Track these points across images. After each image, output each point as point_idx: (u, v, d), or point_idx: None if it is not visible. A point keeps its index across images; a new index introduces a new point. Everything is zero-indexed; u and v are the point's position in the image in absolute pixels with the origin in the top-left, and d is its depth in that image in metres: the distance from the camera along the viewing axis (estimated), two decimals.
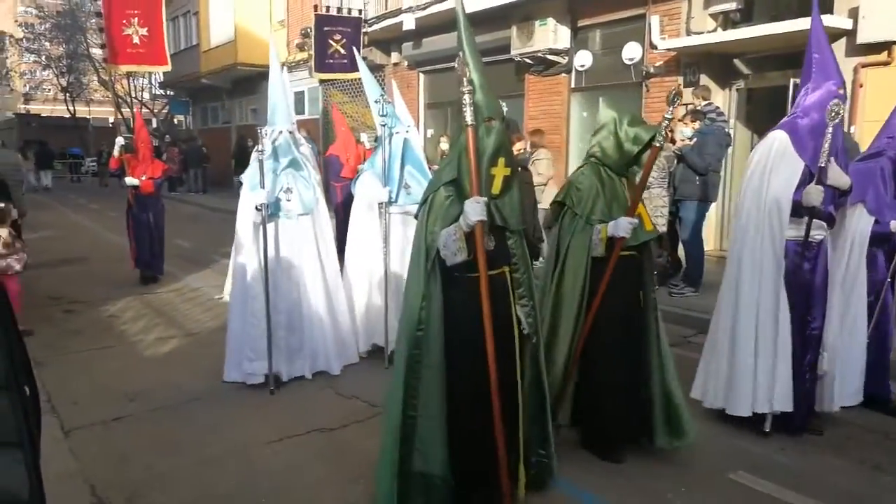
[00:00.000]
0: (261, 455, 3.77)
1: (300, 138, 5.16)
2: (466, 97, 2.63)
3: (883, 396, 4.34)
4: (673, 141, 7.07)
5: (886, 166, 4.21)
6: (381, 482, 2.90)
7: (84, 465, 3.63)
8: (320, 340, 4.96)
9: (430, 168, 5.61)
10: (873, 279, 4.24)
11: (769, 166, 3.73)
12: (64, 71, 36.00)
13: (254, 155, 4.60)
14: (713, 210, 8.19)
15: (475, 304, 2.73)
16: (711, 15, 9.23)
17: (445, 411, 2.84)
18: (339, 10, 11.45)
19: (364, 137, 8.43)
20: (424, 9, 13.10)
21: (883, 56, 7.48)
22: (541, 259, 7.54)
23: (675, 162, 7.08)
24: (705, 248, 7.58)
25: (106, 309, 7.05)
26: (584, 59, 11.18)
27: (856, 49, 7.55)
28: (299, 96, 17.63)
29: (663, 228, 7.11)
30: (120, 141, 7.99)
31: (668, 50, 9.55)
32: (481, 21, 10.58)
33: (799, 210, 3.68)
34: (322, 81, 11.18)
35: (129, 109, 24.29)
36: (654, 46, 9.79)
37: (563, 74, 11.51)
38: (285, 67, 5.38)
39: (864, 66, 7.56)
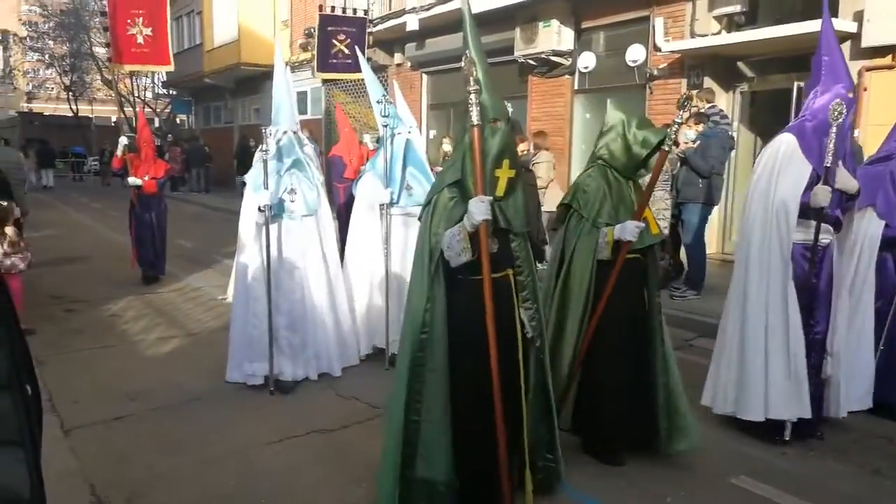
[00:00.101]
0: (261, 456, 3.77)
1: (304, 139, 5.16)
2: (473, 97, 2.61)
3: (893, 403, 4.30)
4: (676, 143, 7.06)
5: None
6: (382, 486, 2.89)
7: (84, 465, 3.63)
8: (322, 342, 4.95)
9: (432, 170, 5.60)
10: (883, 284, 4.22)
11: (777, 169, 3.71)
12: (67, 70, 36.08)
13: (258, 155, 4.59)
14: (715, 213, 8.18)
15: (479, 306, 2.72)
16: (716, 17, 9.22)
17: (449, 415, 2.82)
18: (344, 10, 11.44)
19: (367, 138, 8.42)
20: (428, 10, 13.10)
21: (887, 60, 7.46)
22: (545, 261, 7.53)
23: (678, 164, 7.06)
24: (707, 251, 7.57)
25: (107, 308, 7.05)
26: (587, 60, 11.17)
27: (860, 52, 7.54)
28: (302, 96, 17.64)
29: (665, 231, 7.10)
30: (123, 140, 7.99)
31: (672, 52, 9.54)
32: (485, 22, 10.58)
33: (806, 212, 3.66)
34: (325, 82, 11.18)
35: (131, 109, 24.33)
36: (657, 48, 9.78)
37: (567, 76, 11.51)
38: (288, 67, 5.37)
39: (869, 69, 7.54)
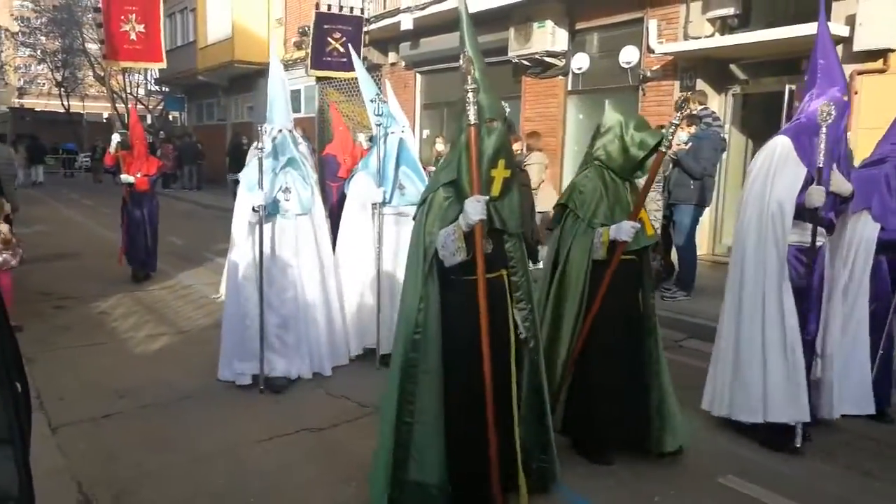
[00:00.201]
0: (251, 454, 3.75)
1: (298, 137, 5.14)
2: (471, 95, 2.61)
3: (883, 406, 4.31)
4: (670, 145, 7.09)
5: (891, 173, 4.20)
6: (374, 487, 2.88)
7: (71, 462, 3.60)
8: (314, 341, 4.94)
9: (425, 169, 5.60)
10: (877, 286, 4.23)
11: (772, 171, 3.72)
12: (59, 66, 35.84)
13: (253, 152, 4.55)
14: (706, 214, 8.21)
15: (472, 306, 2.71)
16: (709, 20, 9.26)
17: (442, 417, 2.81)
18: (341, 8, 11.43)
19: (361, 137, 8.41)
20: (423, 9, 13.10)
21: (879, 63, 7.51)
22: (539, 262, 7.54)
23: (671, 166, 7.09)
24: (698, 253, 7.60)
25: (97, 305, 7.02)
26: (581, 61, 11.19)
27: (852, 56, 7.58)
28: (295, 94, 17.59)
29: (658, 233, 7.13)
30: (116, 137, 7.94)
31: (666, 54, 9.57)
32: (479, 22, 10.53)
33: (801, 214, 3.68)
34: (319, 80, 11.15)
35: (124, 105, 24.23)
36: (651, 50, 9.81)
37: (560, 77, 11.53)
38: (282, 65, 5.35)
39: (860, 73, 7.59)
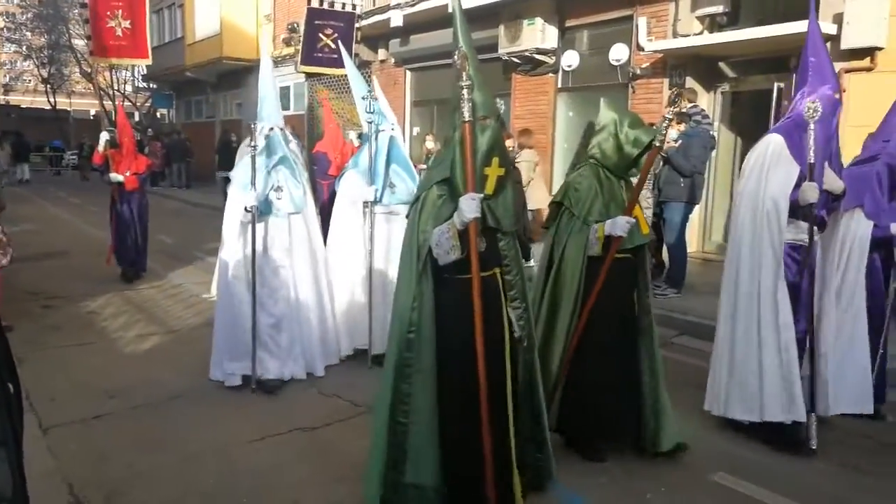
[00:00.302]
0: (243, 454, 3.74)
1: (288, 135, 5.12)
2: (465, 92, 2.60)
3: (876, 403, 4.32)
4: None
5: (882, 170, 4.23)
6: (368, 489, 2.87)
7: (62, 464, 3.58)
8: (307, 340, 4.92)
9: (415, 167, 5.58)
10: (871, 284, 4.24)
11: (765, 168, 3.74)
12: (45, 62, 35.52)
13: (245, 149, 4.51)
14: (696, 212, 8.25)
15: (466, 305, 2.70)
16: (698, 17, 9.29)
17: (437, 418, 2.81)
18: (332, 3, 11.37)
19: (353, 135, 8.38)
20: (413, 5, 13.07)
21: (866, 62, 7.57)
22: (532, 260, 7.56)
23: (661, 164, 7.11)
24: (688, 250, 7.63)
25: (86, 305, 6.97)
26: (571, 59, 11.21)
27: (840, 55, 7.63)
28: (284, 91, 17.53)
29: None
30: (105, 136, 7.86)
31: (655, 52, 9.60)
32: (469, 19, 10.44)
33: (795, 211, 3.69)
34: (308, 76, 11.09)
35: (111, 102, 24.03)
36: (640, 48, 9.84)
37: (550, 74, 11.54)
38: (272, 62, 5.32)
39: (848, 71, 7.64)
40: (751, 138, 9.21)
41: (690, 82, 9.25)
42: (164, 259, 9.36)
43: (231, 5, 20.42)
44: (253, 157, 4.43)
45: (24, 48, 35.97)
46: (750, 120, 9.33)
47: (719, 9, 8.99)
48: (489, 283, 2.82)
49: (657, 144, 3.41)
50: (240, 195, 4.62)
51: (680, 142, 7.04)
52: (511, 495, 2.89)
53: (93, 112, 36.51)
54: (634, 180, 3.68)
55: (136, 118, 29.90)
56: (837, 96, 3.71)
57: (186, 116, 27.11)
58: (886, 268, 4.34)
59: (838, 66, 7.62)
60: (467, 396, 2.75)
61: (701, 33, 9.28)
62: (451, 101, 2.74)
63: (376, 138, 5.10)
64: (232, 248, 4.72)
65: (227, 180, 4.87)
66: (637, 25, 9.91)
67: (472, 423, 2.75)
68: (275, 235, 4.75)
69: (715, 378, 4.02)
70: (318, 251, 5.10)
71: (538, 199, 8.83)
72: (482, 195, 2.68)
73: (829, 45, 7.57)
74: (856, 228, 4.18)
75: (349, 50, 8.67)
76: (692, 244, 8.75)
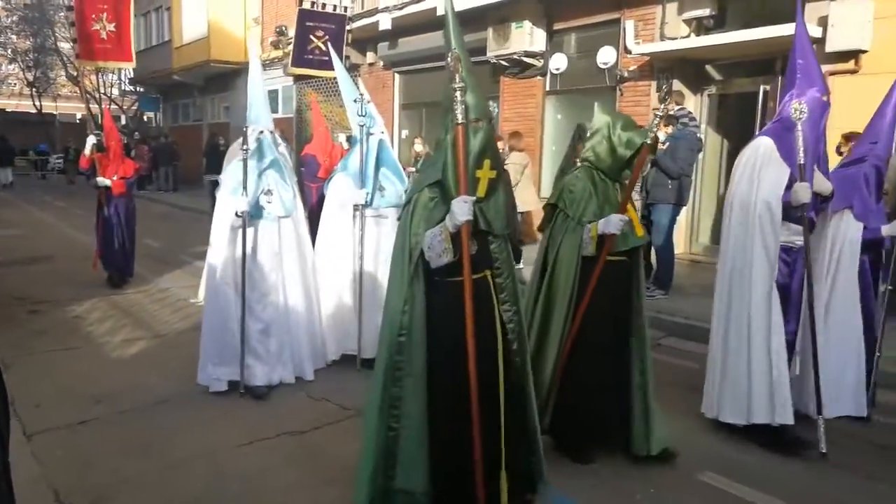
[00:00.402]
0: (230, 458, 3.71)
1: (278, 138, 5.09)
2: (458, 94, 2.59)
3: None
4: (657, 139, 7.16)
5: (870, 172, 4.26)
6: (358, 494, 2.84)
7: (47, 470, 3.54)
8: (297, 345, 4.89)
9: (404, 170, 5.58)
10: (861, 287, 4.26)
11: (757, 171, 3.75)
12: (30, 65, 35.23)
13: (234, 152, 4.47)
14: (683, 214, 8.30)
15: (457, 307, 2.68)
16: (685, 20, 9.36)
17: (427, 422, 2.79)
18: (324, 6, 11.33)
19: (342, 138, 8.36)
20: (401, 9, 13.08)
21: (850, 64, 7.64)
22: (522, 262, 7.56)
23: (648, 166, 7.15)
24: (675, 252, 7.67)
25: (72, 309, 6.90)
26: (559, 62, 11.26)
27: (824, 57, 7.69)
28: (273, 94, 17.49)
29: None
30: (92, 140, 7.78)
31: (642, 55, 9.65)
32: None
33: (786, 213, 3.70)
34: (297, 79, 11.03)
35: (97, 106, 23.86)
36: (628, 51, 9.89)
37: (538, 77, 11.58)
38: (261, 65, 5.28)
39: (832, 74, 7.71)
40: (737, 140, 9.30)
41: (677, 85, 9.31)
42: (151, 263, 9.29)
43: (218, 8, 20.36)
44: (245, 161, 4.40)
45: (9, 51, 35.64)
46: (736, 122, 9.40)
47: (706, 12, 9.07)
48: (480, 285, 2.80)
49: (648, 142, 3.43)
50: (230, 199, 4.58)
51: (667, 144, 7.08)
52: (498, 497, 2.88)
53: (79, 116, 36.23)
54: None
55: (123, 122, 29.72)
56: (825, 98, 3.73)
57: (173, 120, 26.99)
58: (875, 269, 4.37)
59: (823, 68, 7.70)
60: (458, 398, 2.73)
61: (688, 36, 9.35)
62: (443, 103, 2.73)
63: (367, 141, 5.09)
64: (220, 252, 4.68)
65: (215, 184, 4.84)
66: (624, 28, 9.96)
67: (463, 425, 2.74)
68: (264, 239, 4.72)
69: (709, 381, 4.03)
70: (307, 255, 5.08)
71: (526, 200, 8.84)
72: (474, 198, 2.68)
73: (814, 47, 7.69)
74: (846, 230, 4.20)
75: (340, 52, 8.64)
76: (679, 246, 8.79)
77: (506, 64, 11.68)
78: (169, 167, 21.70)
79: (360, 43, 15.01)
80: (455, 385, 2.75)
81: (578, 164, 5.76)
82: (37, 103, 36.21)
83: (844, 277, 4.20)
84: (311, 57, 10.90)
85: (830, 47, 7.61)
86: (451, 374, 2.77)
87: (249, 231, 4.56)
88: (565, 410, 3.64)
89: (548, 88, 11.62)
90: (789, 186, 3.67)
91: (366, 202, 5.07)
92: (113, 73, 29.15)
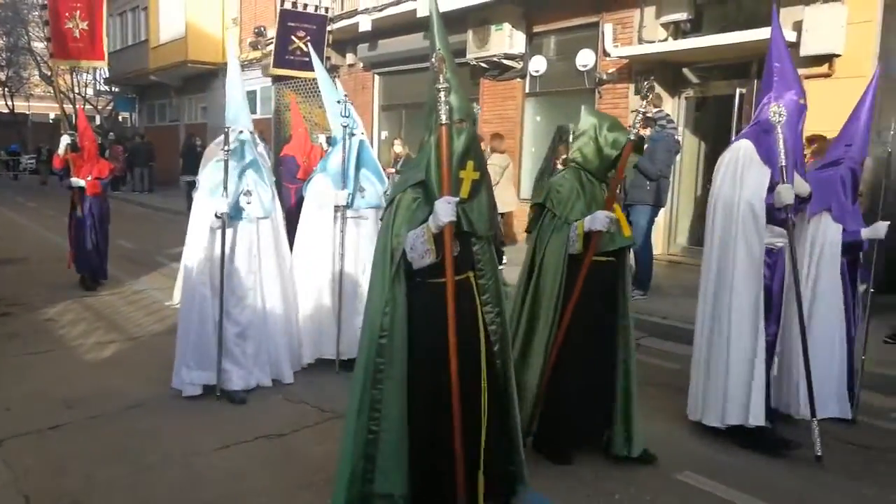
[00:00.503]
0: (206, 463, 3.65)
1: (256, 139, 5.03)
2: (442, 95, 2.57)
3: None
4: (640, 136, 7.20)
5: (846, 174, 4.31)
6: (336, 496, 2.80)
7: (17, 476, 3.45)
8: (274, 348, 4.83)
9: (385, 171, 5.54)
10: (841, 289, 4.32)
11: (738, 174, 3.77)
12: (3, 65, 34.63)
13: (212, 153, 4.40)
14: (661, 215, 8.36)
15: (440, 308, 2.65)
16: (663, 24, 9.45)
17: (407, 425, 2.76)
18: (305, 6, 11.26)
19: (322, 139, 8.31)
20: (381, 10, 13.05)
21: (824, 68, 7.75)
22: (504, 261, 7.56)
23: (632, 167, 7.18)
24: (654, 253, 7.72)
25: (44, 312, 6.77)
26: (538, 64, 11.30)
27: (799, 61, 7.80)
28: (251, 95, 17.34)
29: None
30: (66, 139, 7.64)
31: (621, 57, 9.72)
32: None
33: (770, 214, 3.72)
34: (275, 80, 10.94)
35: (71, 106, 23.48)
36: (607, 54, 9.96)
37: (518, 79, 11.61)
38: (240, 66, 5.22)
39: (806, 77, 7.80)
40: (714, 143, 9.40)
41: (656, 87, 9.38)
42: (126, 265, 9.16)
43: (196, 8, 20.17)
44: (226, 162, 4.34)
45: None
46: (713, 125, 9.51)
47: (683, 16, 9.16)
48: (463, 287, 2.78)
49: (632, 138, 3.45)
50: (208, 200, 4.51)
51: (646, 146, 7.12)
52: (477, 498, 2.86)
53: (52, 116, 35.66)
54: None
55: (98, 122, 29.30)
56: (802, 101, 3.77)
57: (150, 120, 26.67)
58: (853, 271, 4.43)
59: (798, 72, 7.81)
60: (439, 401, 2.71)
61: (665, 40, 9.43)
62: (427, 103, 2.71)
63: (349, 142, 5.04)
64: (197, 254, 4.60)
65: (192, 184, 4.77)
66: (603, 32, 10.03)
67: (444, 427, 2.71)
68: (242, 240, 4.64)
69: (693, 384, 4.05)
70: (285, 256, 5.02)
71: (506, 201, 8.86)
72: (458, 199, 2.66)
73: (790, 51, 7.79)
74: (825, 232, 4.25)
75: (321, 53, 8.57)
76: (657, 247, 8.85)
77: (485, 66, 11.70)
78: (144, 168, 21.44)
79: (339, 44, 14.93)
80: (436, 387, 2.72)
81: (559, 165, 5.76)
82: (9, 103, 35.59)
83: (826, 279, 4.24)
84: (292, 58, 10.81)
85: (805, 51, 7.72)
86: (432, 377, 2.74)
87: (227, 232, 4.49)
88: (552, 419, 3.63)
89: (527, 90, 11.65)
90: (771, 189, 3.70)
91: (347, 203, 5.02)
92: (87, 72, 28.70)
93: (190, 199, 4.81)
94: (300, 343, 5.12)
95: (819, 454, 3.71)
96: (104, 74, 27.35)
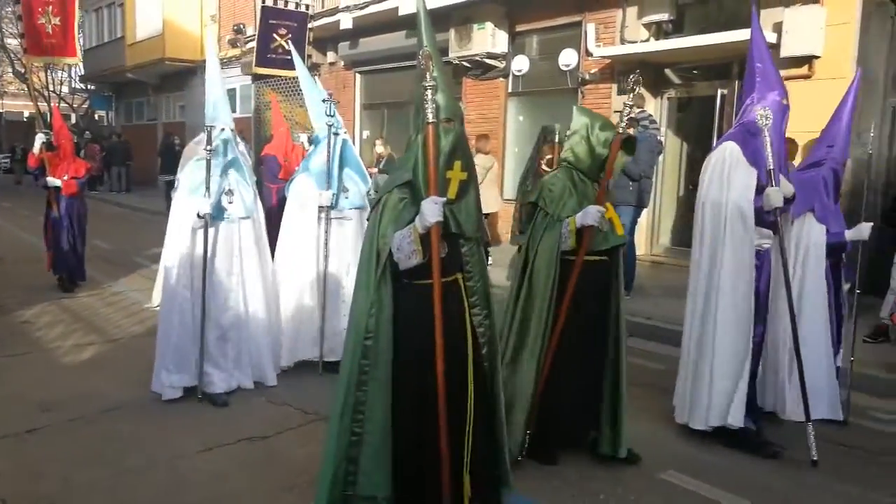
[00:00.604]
0: (187, 466, 3.60)
1: (237, 138, 4.96)
2: (429, 93, 2.54)
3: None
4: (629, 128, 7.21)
5: (828, 175, 4.35)
6: (320, 500, 2.77)
7: None
8: (256, 349, 4.77)
9: (367, 171, 5.50)
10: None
11: (725, 175, 3.77)
12: None
13: (192, 151, 4.33)
14: (644, 216, 8.39)
15: (427, 310, 2.62)
16: (645, 25, 9.49)
17: (391, 428, 2.72)
18: (286, 3, 11.16)
19: (304, 138, 8.23)
20: (362, 8, 12.97)
21: (804, 69, 7.83)
22: (489, 262, 7.53)
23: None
24: (636, 253, 7.75)
25: (20, 314, 6.64)
26: (521, 63, 11.30)
27: (779, 63, 7.83)
28: (230, 94, 17.04)
29: None
30: (41, 137, 7.48)
31: (603, 57, 9.75)
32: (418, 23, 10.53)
33: (757, 216, 3.72)
34: (255, 78, 10.83)
35: (46, 104, 23.08)
36: (589, 53, 9.98)
37: (501, 79, 11.61)
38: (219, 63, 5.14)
39: (787, 79, 7.87)
40: (696, 143, 9.47)
41: (641, 81, 9.43)
42: (104, 265, 9.01)
43: (174, 5, 19.91)
44: (208, 161, 4.27)
45: None
46: (695, 125, 9.57)
47: (665, 16, 9.21)
48: (450, 288, 2.75)
49: (619, 130, 3.46)
50: (188, 199, 4.44)
51: None
52: (461, 500, 2.83)
53: (27, 114, 35.04)
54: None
55: (73, 120, 28.83)
56: (785, 102, 3.79)
57: (127, 119, 26.28)
58: (836, 272, 4.46)
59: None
60: (425, 403, 2.68)
61: (647, 40, 9.48)
62: (414, 102, 2.68)
63: (334, 142, 4.99)
64: (177, 255, 4.52)
65: (171, 184, 4.69)
66: (586, 31, 10.05)
67: (429, 429, 2.68)
68: (224, 241, 4.57)
69: (680, 385, 4.05)
70: (266, 257, 4.95)
71: (489, 202, 8.85)
72: (445, 199, 2.62)
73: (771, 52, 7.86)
74: (809, 233, 4.28)
75: (301, 51, 8.50)
76: (640, 247, 8.89)
77: (468, 65, 11.68)
78: (122, 167, 21.12)
79: (320, 42, 14.82)
80: (422, 389, 2.69)
81: (544, 166, 5.74)
82: None
83: (811, 280, 4.27)
84: (274, 56, 10.71)
85: (785, 52, 7.79)
86: (418, 379, 2.71)
87: (210, 233, 4.42)
88: (543, 420, 3.62)
89: (510, 90, 11.65)
90: (759, 191, 3.71)
91: (332, 203, 4.98)
92: (62, 69, 28.18)
93: (169, 199, 4.73)
94: (281, 345, 5.06)
95: (815, 458, 3.72)
96: (79, 72, 26.88)
